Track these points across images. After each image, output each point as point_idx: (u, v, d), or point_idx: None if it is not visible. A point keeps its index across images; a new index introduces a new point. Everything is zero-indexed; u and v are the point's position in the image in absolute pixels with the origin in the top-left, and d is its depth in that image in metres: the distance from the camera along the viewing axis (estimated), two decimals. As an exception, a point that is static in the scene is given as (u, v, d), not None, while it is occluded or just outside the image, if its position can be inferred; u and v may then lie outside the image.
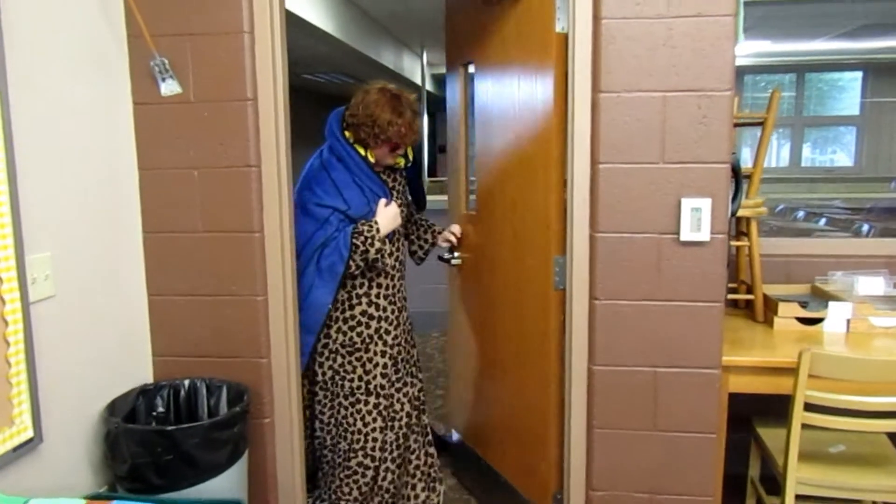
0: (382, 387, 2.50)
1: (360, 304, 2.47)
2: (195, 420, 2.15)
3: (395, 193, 2.57)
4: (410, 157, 2.61)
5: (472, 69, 2.79)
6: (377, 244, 2.36)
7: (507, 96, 2.43)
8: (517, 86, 2.35)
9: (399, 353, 2.55)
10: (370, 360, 2.48)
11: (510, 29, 2.38)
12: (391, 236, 2.48)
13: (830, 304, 2.53)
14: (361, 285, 2.47)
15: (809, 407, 2.10)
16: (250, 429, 2.14)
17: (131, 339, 2.17)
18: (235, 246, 2.16)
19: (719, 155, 1.94)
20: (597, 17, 1.94)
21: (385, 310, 2.49)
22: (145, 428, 1.99)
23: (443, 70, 10.09)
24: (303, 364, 2.39)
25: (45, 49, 1.78)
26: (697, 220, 1.96)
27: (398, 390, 2.56)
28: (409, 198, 2.72)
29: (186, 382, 2.18)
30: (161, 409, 2.14)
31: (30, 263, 1.71)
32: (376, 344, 2.49)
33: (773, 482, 2.42)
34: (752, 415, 2.56)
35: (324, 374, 2.50)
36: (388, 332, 2.51)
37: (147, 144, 2.15)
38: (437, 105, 9.13)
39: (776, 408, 2.32)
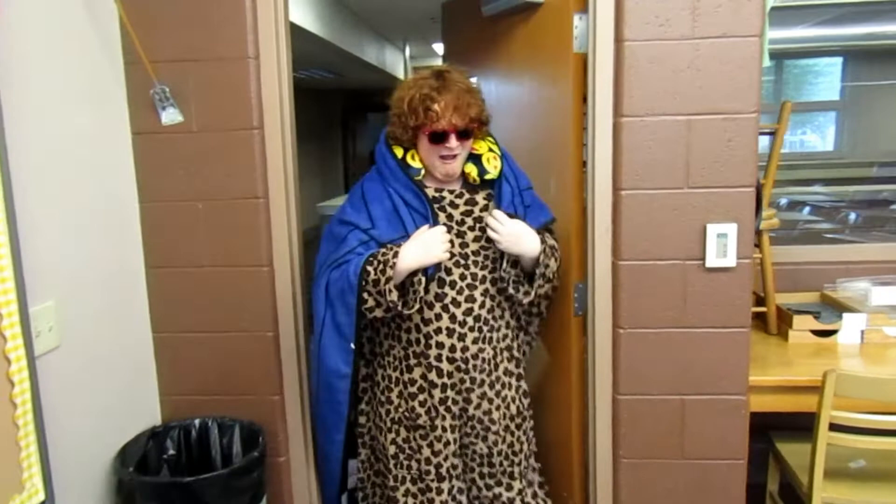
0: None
1: (418, 364, 1.87)
2: (208, 462, 2.08)
3: (465, 222, 1.86)
4: (495, 164, 1.85)
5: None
6: (388, 273, 1.70)
7: (517, 115, 2.36)
8: (529, 105, 2.28)
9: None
10: (438, 438, 1.90)
11: (519, 47, 2.30)
12: (433, 272, 1.77)
13: (845, 315, 2.51)
14: (417, 342, 1.86)
15: (834, 427, 2.09)
16: (267, 469, 2.07)
17: (138, 380, 2.08)
18: (244, 280, 2.07)
19: (745, 178, 1.90)
20: (619, 40, 1.87)
21: (451, 376, 1.86)
22: (160, 480, 1.91)
23: (425, 63, 9.95)
24: (334, 473, 1.98)
25: (39, 83, 1.67)
26: (724, 245, 1.92)
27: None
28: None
29: (197, 422, 2.10)
30: (172, 452, 2.06)
31: (33, 316, 1.61)
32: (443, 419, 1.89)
33: (792, 494, 2.41)
34: (769, 429, 2.55)
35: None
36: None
37: (148, 176, 2.04)
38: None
39: (794, 421, 2.30)
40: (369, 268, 1.72)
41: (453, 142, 1.75)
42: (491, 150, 1.88)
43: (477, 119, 1.78)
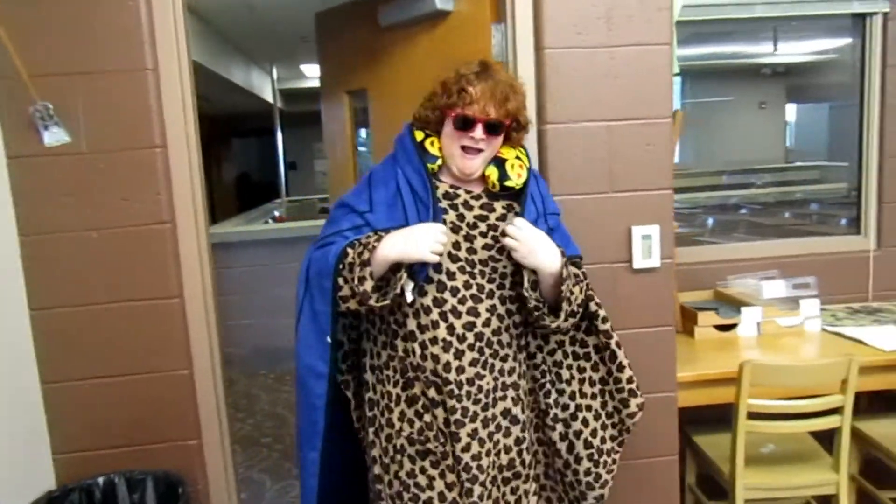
0: None
1: (418, 378, 1.62)
2: (117, 524, 1.84)
3: (477, 226, 1.63)
4: (519, 173, 1.65)
5: (355, 95, 2.62)
6: (364, 256, 1.48)
7: None
8: None
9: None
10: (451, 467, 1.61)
11: (423, 58, 2.25)
12: (424, 275, 1.55)
13: (743, 309, 2.67)
14: (413, 351, 1.61)
15: (750, 415, 2.20)
16: (187, 524, 1.86)
17: (28, 439, 1.80)
18: (150, 315, 1.86)
19: (664, 181, 1.96)
20: (539, 48, 1.89)
21: (440, 403, 1.60)
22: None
23: (292, 85, 9.72)
24: (308, 499, 1.67)
25: None
26: (648, 246, 1.97)
27: None
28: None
29: (101, 480, 1.86)
30: (73, 518, 1.80)
31: None
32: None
33: (708, 484, 2.52)
34: (683, 423, 2.65)
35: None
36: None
37: (28, 205, 1.79)
38: (287, 121, 8.78)
39: (706, 415, 2.40)
40: (350, 250, 1.51)
41: (479, 132, 1.55)
42: (518, 158, 1.67)
43: (513, 116, 1.59)
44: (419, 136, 1.65)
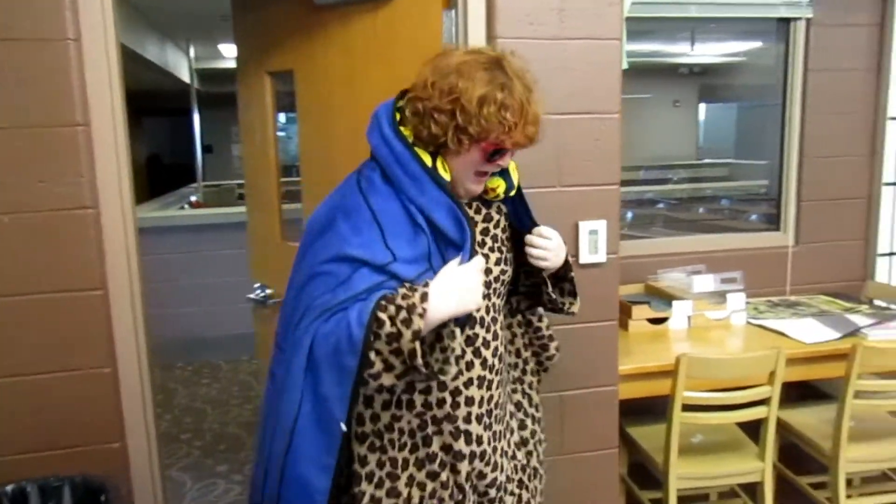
0: None
1: (439, 433, 1.40)
2: (30, 537, 1.68)
3: (485, 243, 1.47)
4: (515, 179, 1.50)
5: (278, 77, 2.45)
6: (416, 323, 1.17)
7: (362, 116, 2.20)
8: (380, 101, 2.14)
9: None
10: None
11: (363, 40, 2.15)
12: (465, 321, 1.32)
13: (674, 303, 2.73)
14: (441, 403, 1.39)
15: (683, 407, 2.25)
16: (111, 534, 1.73)
17: (-76, 447, 1.63)
18: (68, 308, 1.71)
19: (612, 176, 1.96)
20: (491, 37, 1.84)
21: (480, 441, 1.43)
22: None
23: (210, 65, 9.33)
24: None
25: None
26: (595, 242, 1.97)
27: None
28: (507, 250, 1.52)
29: (10, 489, 1.69)
30: (-21, 532, 1.64)
31: None
32: None
33: (640, 475, 2.57)
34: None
35: None
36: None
37: (-73, 186, 1.61)
38: (204, 102, 8.41)
39: (636, 406, 2.43)
40: (383, 315, 1.17)
41: (507, 160, 1.37)
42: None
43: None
44: (426, 157, 1.31)
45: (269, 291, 2.38)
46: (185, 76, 8.03)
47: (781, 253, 3.18)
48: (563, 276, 1.55)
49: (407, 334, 1.16)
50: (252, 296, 2.39)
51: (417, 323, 1.17)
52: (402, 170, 1.29)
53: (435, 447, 1.39)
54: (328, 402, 1.23)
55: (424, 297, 1.19)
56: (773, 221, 3.32)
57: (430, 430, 1.39)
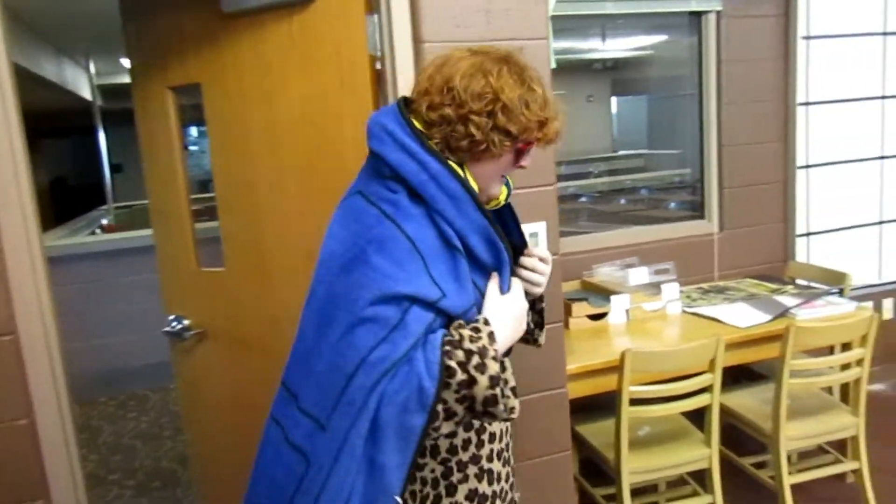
0: None
1: (465, 479, 1.27)
2: None
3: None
4: (512, 185, 1.37)
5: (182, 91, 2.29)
6: (492, 367, 1.08)
7: (283, 130, 2.08)
8: (301, 120, 2.02)
9: None
10: None
11: (279, 49, 2.02)
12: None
13: (612, 297, 2.75)
14: (466, 444, 1.27)
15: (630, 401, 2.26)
16: None
17: None
18: (-27, 358, 1.55)
19: (548, 178, 1.95)
20: (417, 41, 1.78)
21: (500, 479, 1.33)
22: None
23: (113, 80, 8.89)
24: None
25: None
26: (535, 244, 1.94)
27: None
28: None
29: (-82, 565, 1.52)
30: None
31: None
32: None
33: (590, 471, 2.58)
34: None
35: None
36: None
37: None
38: (110, 119, 7.99)
39: (583, 404, 2.43)
40: (452, 363, 1.06)
41: (530, 159, 1.27)
42: None
43: None
44: (457, 169, 1.17)
45: (186, 322, 2.21)
46: (87, 93, 7.63)
47: (707, 240, 3.26)
48: (533, 306, 1.43)
49: (483, 381, 1.06)
50: (168, 328, 2.21)
51: (493, 368, 1.07)
52: (438, 188, 1.13)
53: (460, 496, 1.25)
54: (385, 472, 1.07)
55: (492, 338, 1.11)
56: (696, 209, 3.41)
57: (454, 477, 1.25)
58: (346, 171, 1.68)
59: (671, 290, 2.82)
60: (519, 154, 1.23)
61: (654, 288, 2.85)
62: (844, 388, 2.66)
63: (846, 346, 2.58)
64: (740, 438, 2.73)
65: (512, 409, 1.11)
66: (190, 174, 2.32)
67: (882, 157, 3.48)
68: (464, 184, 1.14)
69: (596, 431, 2.53)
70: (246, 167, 2.11)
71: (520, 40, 1.86)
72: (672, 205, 4.38)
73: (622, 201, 6.16)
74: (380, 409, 1.06)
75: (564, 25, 4.38)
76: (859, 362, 2.42)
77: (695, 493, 2.49)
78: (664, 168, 5.26)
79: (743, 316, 2.65)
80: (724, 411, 2.58)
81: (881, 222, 3.53)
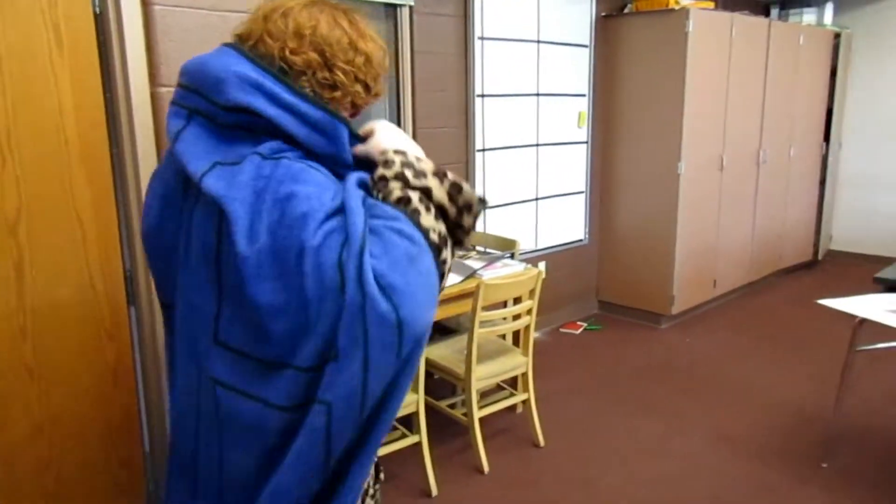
0: None
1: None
2: None
3: None
4: None
5: None
6: (426, 165, 1.07)
7: None
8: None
9: None
10: None
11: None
12: None
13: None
14: None
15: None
16: None
17: None
18: None
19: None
20: (146, 3, 1.72)
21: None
22: None
23: None
24: None
25: None
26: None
27: None
28: None
29: None
30: None
31: None
32: None
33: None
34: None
35: None
36: None
37: None
38: None
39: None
40: (399, 194, 1.03)
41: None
42: None
43: None
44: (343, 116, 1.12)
45: None
46: None
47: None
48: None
49: (433, 182, 1.06)
50: None
51: (427, 165, 1.07)
52: (333, 140, 1.08)
53: None
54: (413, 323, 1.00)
55: (401, 154, 1.07)
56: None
57: None
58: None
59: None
60: (356, 110, 1.20)
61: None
62: (515, 334, 3.22)
63: (517, 301, 3.12)
64: (433, 386, 3.14)
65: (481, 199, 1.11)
66: None
67: (538, 145, 4.21)
68: (353, 133, 1.12)
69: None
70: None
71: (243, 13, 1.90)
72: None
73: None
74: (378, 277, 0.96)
75: None
76: (528, 312, 2.96)
77: (403, 436, 2.80)
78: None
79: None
80: (427, 362, 2.95)
81: (537, 199, 4.28)
